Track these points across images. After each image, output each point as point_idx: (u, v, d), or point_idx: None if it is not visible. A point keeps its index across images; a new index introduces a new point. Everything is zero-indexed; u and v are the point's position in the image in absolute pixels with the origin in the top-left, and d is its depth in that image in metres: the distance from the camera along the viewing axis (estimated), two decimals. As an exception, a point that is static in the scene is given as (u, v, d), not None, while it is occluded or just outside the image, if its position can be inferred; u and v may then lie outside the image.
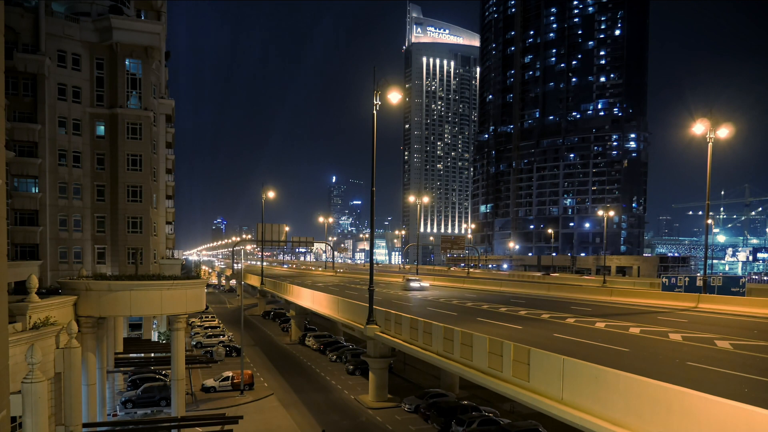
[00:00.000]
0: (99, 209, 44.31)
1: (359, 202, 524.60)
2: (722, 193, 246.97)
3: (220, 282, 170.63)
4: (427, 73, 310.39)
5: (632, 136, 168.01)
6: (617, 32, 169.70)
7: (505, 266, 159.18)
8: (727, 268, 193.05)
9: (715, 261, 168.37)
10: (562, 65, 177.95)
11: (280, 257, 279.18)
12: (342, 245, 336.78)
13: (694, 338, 26.03)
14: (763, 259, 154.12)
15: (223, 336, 64.88)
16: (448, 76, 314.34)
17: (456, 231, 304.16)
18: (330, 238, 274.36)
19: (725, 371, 18.81)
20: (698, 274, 58.84)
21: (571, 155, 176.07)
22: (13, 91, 40.19)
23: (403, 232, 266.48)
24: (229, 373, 44.59)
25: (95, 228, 44.21)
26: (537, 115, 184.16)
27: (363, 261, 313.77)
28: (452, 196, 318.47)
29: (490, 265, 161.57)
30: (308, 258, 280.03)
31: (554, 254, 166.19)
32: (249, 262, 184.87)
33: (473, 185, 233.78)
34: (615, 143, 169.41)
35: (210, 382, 44.08)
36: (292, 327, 71.18)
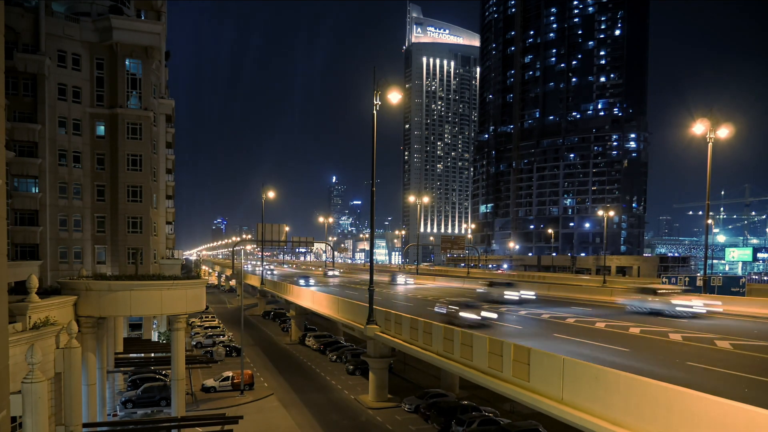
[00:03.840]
0: (99, 209, 44.30)
1: (359, 202, 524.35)
2: (722, 193, 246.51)
3: (220, 282, 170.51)
4: (427, 73, 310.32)
5: (632, 136, 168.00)
6: (617, 32, 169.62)
7: (505, 266, 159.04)
8: (727, 268, 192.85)
9: (715, 261, 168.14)
10: (562, 65, 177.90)
11: (280, 257, 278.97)
12: (342, 245, 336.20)
13: (694, 338, 26.03)
14: (763, 259, 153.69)
15: (223, 336, 64.91)
16: (448, 76, 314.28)
17: (456, 231, 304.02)
18: (330, 238, 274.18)
19: (725, 371, 18.80)
20: (698, 274, 58.77)
21: (571, 155, 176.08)
22: (13, 91, 40.15)
23: (403, 232, 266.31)
24: (229, 373, 44.64)
25: (95, 228, 44.21)
26: (537, 115, 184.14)
27: (363, 261, 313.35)
28: (452, 196, 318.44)
29: (490, 265, 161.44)
30: (308, 258, 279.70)
31: (554, 254, 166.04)
32: (249, 262, 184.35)
33: (473, 185, 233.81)
34: (615, 143, 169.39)
35: (210, 382, 44.11)
36: (292, 327, 71.19)
